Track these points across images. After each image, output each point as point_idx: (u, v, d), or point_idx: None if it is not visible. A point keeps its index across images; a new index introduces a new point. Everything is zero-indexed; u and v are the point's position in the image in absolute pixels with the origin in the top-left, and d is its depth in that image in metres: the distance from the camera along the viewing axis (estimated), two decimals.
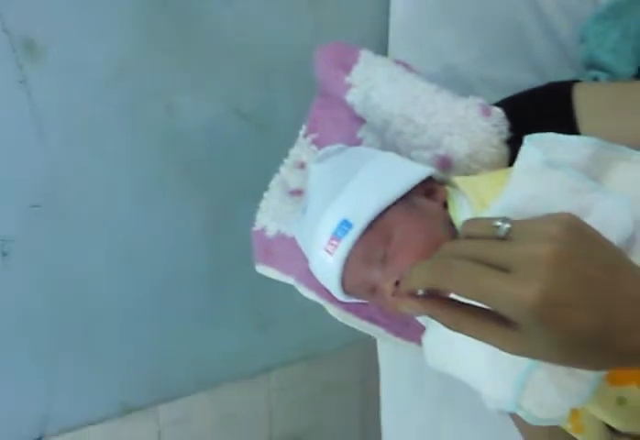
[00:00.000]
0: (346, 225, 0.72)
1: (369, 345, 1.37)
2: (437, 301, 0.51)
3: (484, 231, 0.50)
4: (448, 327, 0.50)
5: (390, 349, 1.25)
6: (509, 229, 0.48)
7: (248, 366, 1.45)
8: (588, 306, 0.44)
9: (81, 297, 1.15)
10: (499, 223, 0.48)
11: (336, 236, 0.73)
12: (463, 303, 0.50)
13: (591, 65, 0.92)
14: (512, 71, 1.05)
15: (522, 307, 0.44)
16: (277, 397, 1.63)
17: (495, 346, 0.48)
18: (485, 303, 0.46)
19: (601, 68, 0.89)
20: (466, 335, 0.50)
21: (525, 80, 1.00)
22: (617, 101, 0.77)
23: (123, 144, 1.10)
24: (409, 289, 0.52)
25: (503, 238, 0.48)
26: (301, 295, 0.92)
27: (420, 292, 0.52)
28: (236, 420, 1.60)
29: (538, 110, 0.80)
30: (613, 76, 0.88)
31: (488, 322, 0.48)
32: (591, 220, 0.50)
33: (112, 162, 1.10)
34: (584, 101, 0.77)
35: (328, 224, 0.74)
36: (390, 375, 1.28)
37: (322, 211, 0.75)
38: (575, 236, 0.46)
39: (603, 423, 0.68)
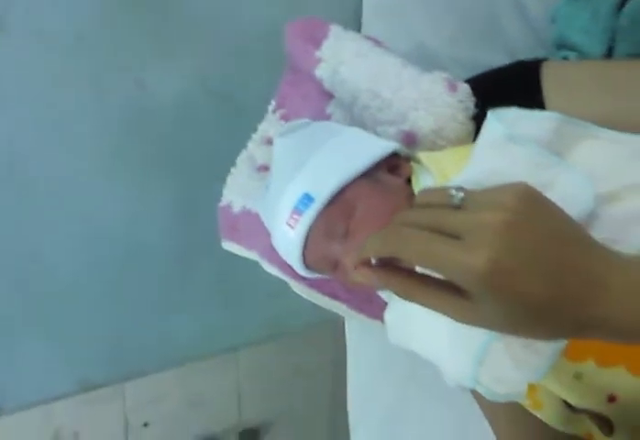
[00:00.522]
0: (307, 199, 0.72)
1: (339, 325, 1.37)
2: (391, 270, 0.50)
3: (438, 200, 0.49)
4: (402, 297, 0.50)
5: (357, 328, 1.25)
6: (463, 198, 0.47)
7: (214, 344, 1.45)
8: (536, 276, 0.44)
9: (41, 270, 1.13)
10: (453, 192, 0.48)
11: (298, 210, 0.72)
12: (417, 273, 0.49)
13: (562, 45, 0.91)
14: (483, 51, 1.04)
15: (470, 275, 0.43)
16: (246, 379, 1.62)
17: (448, 315, 0.48)
18: (435, 270, 0.46)
19: (572, 48, 0.89)
20: (419, 304, 0.49)
21: (496, 61, 0.98)
22: (585, 79, 0.76)
23: (87, 116, 1.08)
24: (363, 258, 0.51)
25: (457, 207, 0.47)
26: (268, 274, 0.92)
27: (374, 262, 0.51)
28: (204, 402, 1.59)
29: (506, 87, 0.80)
30: (584, 56, 0.87)
31: (441, 291, 0.47)
32: (552, 195, 0.49)
33: (75, 135, 1.08)
34: (552, 79, 0.77)
35: (290, 198, 0.73)
36: (357, 354, 1.28)
37: (284, 185, 0.74)
38: (528, 205, 0.46)
39: (561, 399, 0.68)
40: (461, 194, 0.48)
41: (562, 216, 0.48)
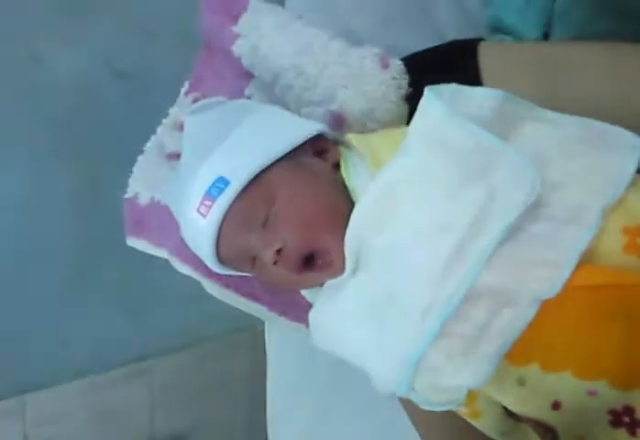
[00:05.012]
0: (222, 182, 0.64)
1: (258, 332, 1.30)
2: None
3: None
4: None
5: (277, 336, 1.18)
6: None
7: (121, 354, 1.36)
8: None
9: None
10: None
11: (210, 196, 0.64)
12: None
13: (497, 29, 0.88)
14: (413, 37, 0.99)
15: None
16: (159, 392, 1.53)
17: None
18: None
19: (507, 31, 0.85)
20: None
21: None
22: (525, 59, 0.73)
23: None
24: None
25: None
26: (179, 275, 0.84)
27: None
28: (115, 418, 1.49)
29: (441, 67, 0.75)
30: (519, 39, 0.84)
31: None
32: (496, 180, 0.48)
33: None
34: (490, 59, 0.73)
35: (201, 182, 0.65)
36: (277, 363, 1.22)
37: (195, 167, 0.66)
38: None
39: (502, 407, 0.64)
40: None
41: None
